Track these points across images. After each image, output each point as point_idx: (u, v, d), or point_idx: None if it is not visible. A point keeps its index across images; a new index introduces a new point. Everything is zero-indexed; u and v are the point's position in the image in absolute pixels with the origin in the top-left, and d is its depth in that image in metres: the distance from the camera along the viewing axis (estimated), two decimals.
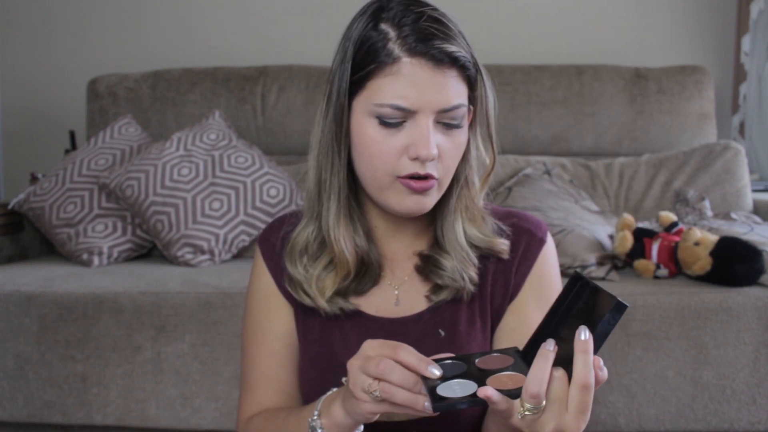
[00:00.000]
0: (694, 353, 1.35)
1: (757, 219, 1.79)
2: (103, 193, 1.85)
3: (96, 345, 1.43)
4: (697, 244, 1.43)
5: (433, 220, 0.77)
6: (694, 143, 2.10)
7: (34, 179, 2.20)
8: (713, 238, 1.43)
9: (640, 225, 1.62)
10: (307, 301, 0.75)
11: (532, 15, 2.42)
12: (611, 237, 1.67)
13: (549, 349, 0.52)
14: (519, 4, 2.43)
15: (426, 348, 0.74)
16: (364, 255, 0.75)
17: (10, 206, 1.89)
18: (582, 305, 0.56)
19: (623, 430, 1.37)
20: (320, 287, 0.75)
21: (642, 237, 1.54)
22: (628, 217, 1.61)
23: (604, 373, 0.52)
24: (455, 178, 0.74)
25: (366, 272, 0.76)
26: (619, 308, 0.51)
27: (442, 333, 0.75)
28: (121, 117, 2.07)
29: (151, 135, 2.11)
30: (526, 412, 0.52)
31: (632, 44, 2.41)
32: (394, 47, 0.67)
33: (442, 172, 0.69)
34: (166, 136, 2.07)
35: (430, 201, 0.70)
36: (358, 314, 0.77)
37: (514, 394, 0.54)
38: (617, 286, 1.42)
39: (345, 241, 0.73)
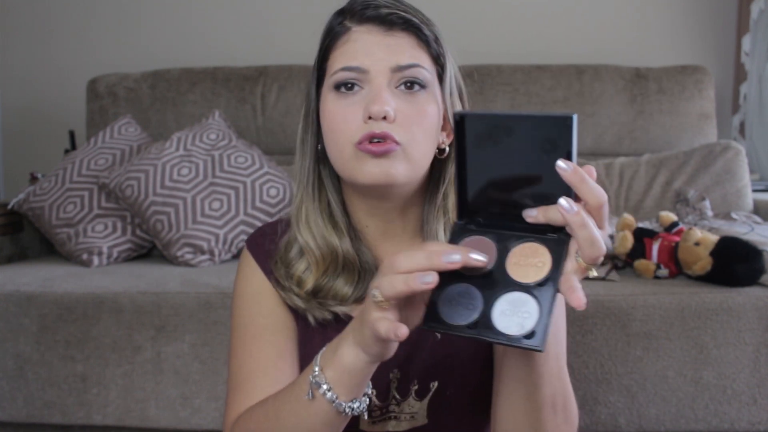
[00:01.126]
0: (694, 353, 1.35)
1: (758, 219, 1.79)
2: (103, 193, 1.84)
3: (96, 345, 1.43)
4: (697, 244, 1.43)
5: (427, 220, 0.75)
6: (695, 143, 2.10)
7: (33, 179, 2.20)
8: (713, 238, 1.43)
9: (641, 225, 1.62)
10: (295, 300, 0.73)
11: (532, 15, 2.42)
12: (611, 237, 1.66)
13: (574, 209, 0.48)
14: (519, 4, 2.43)
15: (422, 350, 0.75)
16: (349, 256, 0.73)
17: (9, 206, 1.89)
18: (510, 140, 0.51)
19: (623, 430, 1.37)
20: (300, 287, 0.73)
21: (642, 237, 1.54)
22: (629, 217, 1.60)
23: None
24: (442, 177, 0.73)
25: (364, 276, 0.74)
26: (566, 122, 0.48)
27: (439, 335, 0.73)
28: (121, 117, 2.07)
29: (150, 135, 2.11)
30: (595, 272, 0.51)
31: (632, 44, 2.41)
32: (346, 20, 0.70)
33: (405, 137, 0.66)
34: (166, 136, 2.06)
35: (396, 168, 0.66)
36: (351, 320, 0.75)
37: (554, 276, 0.51)
38: (617, 286, 1.42)
39: (309, 232, 0.72)
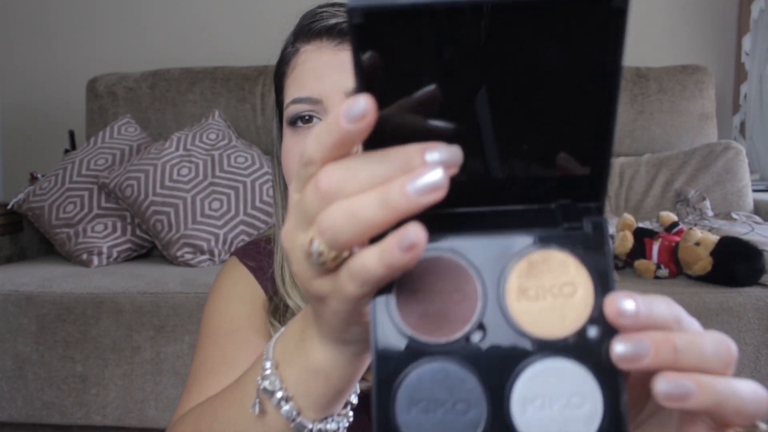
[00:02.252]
0: None
1: (758, 219, 1.79)
2: (103, 193, 1.84)
3: (95, 345, 1.43)
4: (697, 244, 1.43)
5: None
6: (695, 143, 2.10)
7: (33, 179, 2.20)
8: (714, 238, 1.43)
9: (641, 225, 1.62)
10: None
11: None
12: (612, 237, 1.66)
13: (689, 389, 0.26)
14: None
15: None
16: None
17: (9, 206, 1.89)
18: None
19: None
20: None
21: (642, 237, 1.54)
22: (629, 217, 1.60)
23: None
24: None
25: None
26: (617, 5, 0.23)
27: None
28: (121, 117, 2.07)
29: (150, 135, 2.10)
30: (764, 426, 0.31)
31: (633, 44, 2.40)
32: (296, 40, 0.62)
33: None
34: (165, 135, 2.06)
35: None
36: None
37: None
38: (617, 287, 1.42)
39: (296, 291, 0.65)
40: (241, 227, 1.75)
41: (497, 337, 0.28)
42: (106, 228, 1.79)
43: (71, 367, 1.43)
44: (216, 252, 1.72)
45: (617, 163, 2.02)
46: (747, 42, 2.30)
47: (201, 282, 1.48)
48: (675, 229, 1.54)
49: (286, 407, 0.37)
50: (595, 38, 0.24)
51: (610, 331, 0.27)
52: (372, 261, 0.26)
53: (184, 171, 1.79)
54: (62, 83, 2.57)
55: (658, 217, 1.63)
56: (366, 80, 0.25)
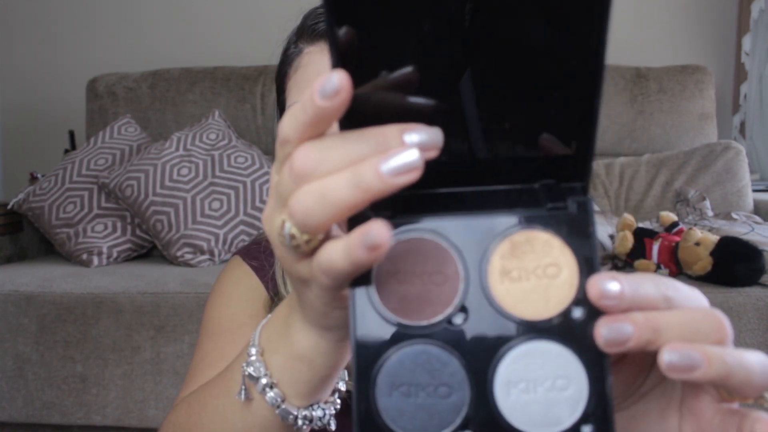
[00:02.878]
0: None
1: (758, 219, 1.79)
2: (103, 193, 1.84)
3: (95, 345, 1.43)
4: (697, 244, 1.43)
5: None
6: (695, 143, 2.10)
7: (33, 179, 2.20)
8: (714, 238, 1.43)
9: (641, 225, 1.62)
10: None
11: None
12: (612, 237, 1.66)
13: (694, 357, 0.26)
14: None
15: None
16: None
17: (9, 206, 1.89)
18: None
19: None
20: None
21: (642, 237, 1.54)
22: (629, 217, 1.60)
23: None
24: None
25: None
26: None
27: None
28: (121, 117, 2.07)
29: (150, 135, 2.10)
30: None
31: (633, 44, 2.41)
32: (299, 40, 0.61)
33: None
34: (165, 135, 2.06)
35: None
36: None
37: None
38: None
39: None
40: (241, 227, 1.75)
41: (480, 319, 0.27)
42: (106, 228, 1.79)
43: (71, 367, 1.43)
44: (216, 252, 1.72)
45: (617, 163, 2.02)
46: (747, 42, 2.30)
47: (201, 282, 1.48)
48: (675, 229, 1.54)
49: (270, 394, 0.36)
50: (579, 16, 0.23)
51: (595, 312, 0.26)
52: (338, 257, 0.25)
53: (184, 171, 1.79)
54: (62, 83, 2.57)
55: (658, 217, 1.63)
56: (342, 57, 0.24)
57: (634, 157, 2.05)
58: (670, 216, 1.58)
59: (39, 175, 2.19)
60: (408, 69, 0.25)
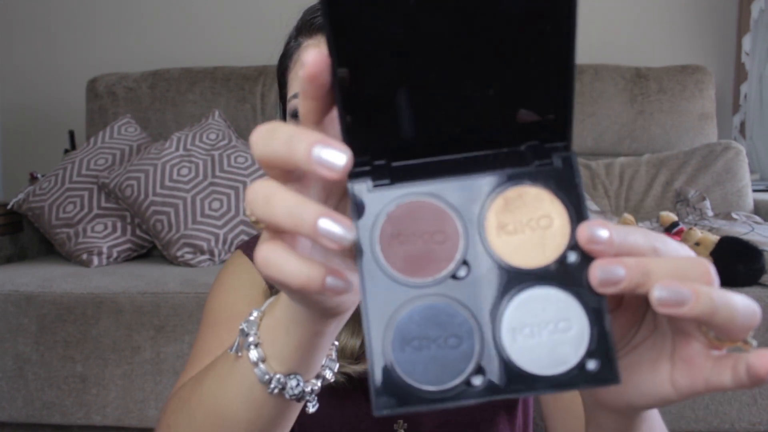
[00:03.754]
0: None
1: (758, 219, 1.79)
2: (103, 193, 1.84)
3: (95, 345, 1.43)
4: (697, 244, 1.43)
5: None
6: (695, 143, 2.10)
7: (33, 179, 2.20)
8: (714, 238, 1.43)
9: (641, 225, 1.62)
10: None
11: None
12: None
13: (684, 294, 0.27)
14: None
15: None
16: None
17: (9, 206, 1.89)
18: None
19: None
20: None
21: None
22: (629, 217, 1.60)
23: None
24: None
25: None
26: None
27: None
28: (121, 117, 2.07)
29: (150, 135, 2.10)
30: (754, 342, 0.31)
31: (632, 44, 2.41)
32: (299, 35, 0.63)
33: None
34: (165, 135, 2.06)
35: None
36: None
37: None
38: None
39: None
40: (241, 227, 1.75)
41: (481, 271, 0.29)
42: (106, 228, 1.79)
43: (71, 367, 1.43)
44: (216, 252, 1.72)
45: (617, 163, 2.02)
46: (747, 42, 2.30)
47: (201, 282, 1.48)
48: (675, 229, 1.54)
49: (253, 351, 0.39)
50: None
51: (589, 257, 0.28)
52: (288, 267, 0.28)
53: (184, 171, 1.79)
54: (62, 83, 2.57)
55: (658, 217, 1.63)
56: (336, 35, 0.26)
57: (634, 157, 2.05)
58: (670, 216, 1.58)
59: (39, 175, 2.19)
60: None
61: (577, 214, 0.29)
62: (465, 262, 0.29)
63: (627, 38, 2.41)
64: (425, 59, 0.27)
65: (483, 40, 0.26)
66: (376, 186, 0.30)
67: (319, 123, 0.30)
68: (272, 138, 0.28)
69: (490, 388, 0.28)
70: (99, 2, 2.55)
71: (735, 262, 1.38)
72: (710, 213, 1.81)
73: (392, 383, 0.27)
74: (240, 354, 0.40)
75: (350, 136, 0.29)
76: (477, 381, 0.28)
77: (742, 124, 2.34)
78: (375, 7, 0.25)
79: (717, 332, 0.29)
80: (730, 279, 1.38)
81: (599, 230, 0.28)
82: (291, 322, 0.37)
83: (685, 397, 0.32)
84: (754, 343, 0.30)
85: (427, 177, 0.30)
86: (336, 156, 0.26)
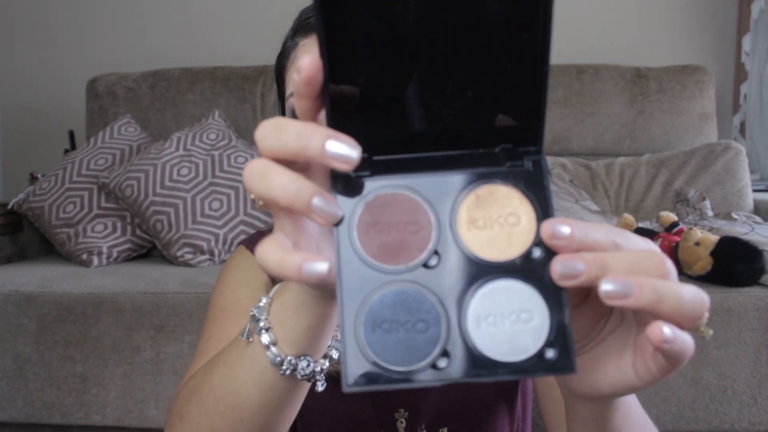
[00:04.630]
0: (694, 353, 1.35)
1: (758, 219, 1.79)
2: (103, 193, 1.84)
3: (95, 345, 1.43)
4: (697, 244, 1.43)
5: None
6: (695, 143, 2.10)
7: (33, 179, 2.20)
8: (714, 238, 1.43)
9: (641, 225, 1.62)
10: None
11: None
12: None
13: (629, 288, 0.29)
14: None
15: (426, 396, 0.68)
16: None
17: (9, 206, 1.89)
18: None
19: None
20: None
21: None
22: (629, 217, 1.60)
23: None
24: None
25: None
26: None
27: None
28: (121, 117, 2.07)
29: (150, 135, 2.11)
30: (711, 331, 0.35)
31: (633, 44, 2.41)
32: (296, 35, 0.65)
33: None
34: (165, 135, 2.06)
35: None
36: None
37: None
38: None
39: None
40: (241, 227, 1.75)
41: (451, 262, 0.31)
42: (106, 228, 1.79)
43: (71, 367, 1.43)
44: (216, 252, 1.72)
45: (617, 163, 2.02)
46: (747, 42, 2.30)
47: (201, 282, 1.48)
48: (675, 229, 1.54)
49: (265, 335, 0.41)
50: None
51: (552, 253, 0.30)
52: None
53: (184, 171, 1.79)
54: (62, 83, 2.57)
55: (658, 217, 1.63)
56: (329, 41, 0.28)
57: (634, 157, 2.05)
58: (670, 216, 1.58)
59: (39, 175, 2.19)
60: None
61: (544, 213, 0.31)
62: (436, 252, 0.31)
63: (627, 38, 2.41)
64: (408, 62, 0.29)
65: (463, 46, 0.28)
66: (356, 176, 0.31)
67: (314, 119, 0.32)
68: (282, 132, 0.29)
69: (453, 371, 0.29)
70: (99, 2, 2.55)
71: (735, 262, 1.38)
72: (710, 213, 1.81)
73: (362, 362, 0.29)
74: (251, 339, 0.42)
75: (335, 130, 0.30)
76: (442, 364, 0.29)
77: (742, 124, 2.34)
78: (363, 11, 0.27)
79: (666, 320, 0.30)
80: (730, 279, 1.38)
81: (561, 227, 0.29)
82: (300, 306, 0.39)
83: (647, 383, 0.33)
84: (710, 332, 0.33)
85: (406, 171, 0.32)
86: (349, 150, 0.28)
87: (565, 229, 0.29)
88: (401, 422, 0.70)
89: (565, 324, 0.30)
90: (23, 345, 1.44)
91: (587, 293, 0.35)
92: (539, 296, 0.30)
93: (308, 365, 0.41)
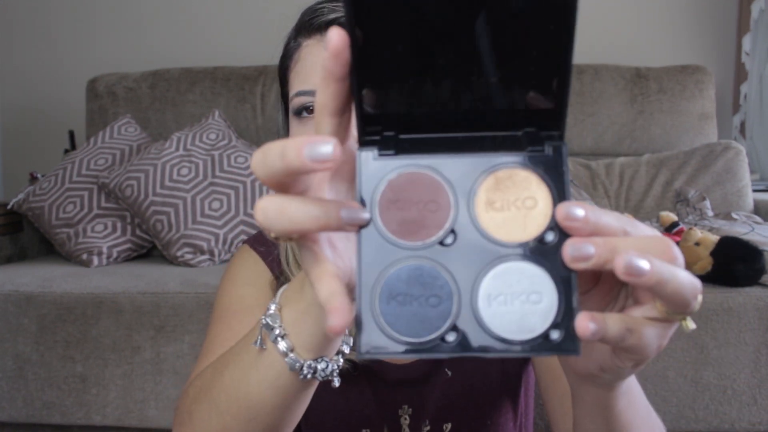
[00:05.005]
0: (694, 353, 1.35)
1: (758, 219, 1.79)
2: (103, 193, 1.84)
3: (95, 345, 1.42)
4: (697, 244, 1.43)
5: None
6: (695, 143, 2.10)
7: (33, 179, 2.20)
8: (714, 238, 1.43)
9: None
10: None
11: None
12: None
13: (643, 268, 0.30)
14: None
15: (430, 392, 0.69)
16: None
17: (9, 206, 1.89)
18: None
19: None
20: None
21: None
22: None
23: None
24: None
25: None
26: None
27: (449, 372, 0.70)
28: (121, 117, 2.07)
29: (150, 135, 2.10)
30: (692, 325, 0.35)
31: (632, 44, 2.41)
32: (298, 35, 0.65)
33: None
34: (165, 135, 2.06)
35: None
36: None
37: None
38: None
39: (289, 248, 0.69)
40: (241, 227, 1.75)
41: (467, 241, 0.32)
42: (106, 228, 1.79)
43: (71, 367, 1.43)
44: (216, 252, 1.72)
45: (617, 163, 2.02)
46: (747, 42, 2.30)
47: (201, 282, 1.48)
48: (675, 229, 1.54)
49: (281, 343, 0.41)
50: None
51: (565, 238, 0.31)
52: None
53: (184, 171, 1.79)
54: (62, 83, 2.57)
55: (658, 217, 1.63)
56: (357, 23, 0.28)
57: (634, 157, 2.05)
58: (670, 216, 1.58)
59: (39, 175, 2.19)
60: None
61: (560, 198, 0.32)
62: (453, 231, 0.32)
63: (627, 38, 2.41)
64: (437, 43, 0.29)
65: (492, 30, 0.29)
66: (381, 155, 0.32)
67: (337, 112, 0.31)
68: (266, 157, 0.30)
69: (462, 345, 0.31)
70: (99, 2, 2.55)
71: (735, 262, 1.38)
72: (710, 213, 1.81)
73: (376, 332, 0.31)
74: (264, 347, 0.43)
75: (364, 108, 0.31)
76: (451, 338, 0.31)
77: (742, 124, 2.34)
78: (393, 8, 0.28)
79: (666, 303, 0.32)
80: (730, 279, 1.38)
81: (576, 209, 0.30)
82: (319, 310, 0.39)
83: (631, 362, 0.35)
84: (692, 325, 0.35)
85: (430, 151, 0.32)
86: (322, 146, 0.28)
87: (580, 212, 0.30)
88: (405, 419, 0.70)
89: (572, 307, 0.30)
90: (23, 345, 1.44)
91: (597, 279, 0.36)
92: (550, 279, 0.31)
93: (327, 366, 0.42)
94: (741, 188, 1.93)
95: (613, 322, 0.32)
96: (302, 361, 0.41)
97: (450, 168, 0.32)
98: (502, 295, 0.31)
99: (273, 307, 0.43)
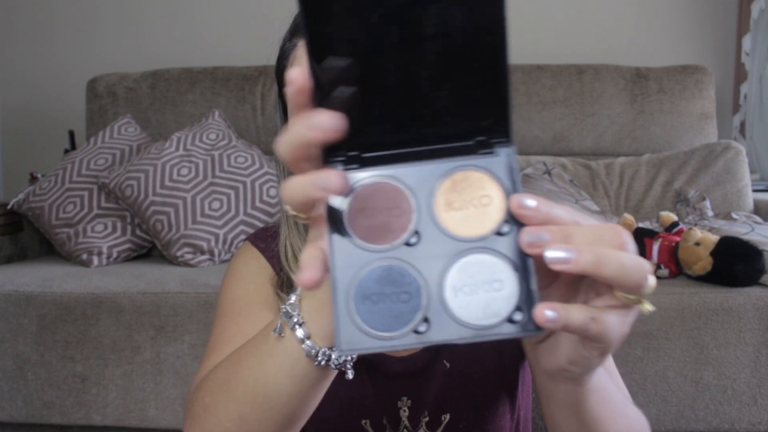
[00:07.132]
0: (694, 353, 1.35)
1: (758, 219, 1.79)
2: (103, 193, 1.84)
3: (95, 345, 1.43)
4: (697, 244, 1.43)
5: None
6: (695, 143, 2.10)
7: (33, 179, 2.20)
8: (714, 238, 1.43)
9: (641, 225, 1.62)
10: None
11: (532, 14, 2.42)
12: None
13: (568, 255, 0.32)
14: (519, 4, 2.42)
15: (429, 383, 0.70)
16: None
17: (9, 206, 1.89)
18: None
19: None
20: None
21: (642, 237, 1.54)
22: (629, 217, 1.60)
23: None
24: None
25: None
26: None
27: (447, 365, 0.71)
28: (121, 117, 2.07)
29: (150, 135, 2.10)
30: (649, 307, 0.36)
31: (633, 44, 2.41)
32: (292, 37, 0.66)
33: None
34: (165, 135, 2.06)
35: None
36: None
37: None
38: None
39: (288, 244, 0.70)
40: (241, 227, 1.75)
41: (430, 240, 0.34)
42: (106, 228, 1.79)
43: (71, 367, 1.43)
44: (216, 252, 1.72)
45: (617, 163, 2.02)
46: (747, 42, 2.30)
47: (201, 282, 1.48)
48: (675, 229, 1.54)
49: (299, 330, 0.44)
50: (482, 8, 0.30)
51: (520, 228, 0.34)
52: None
53: (184, 171, 1.79)
54: (62, 83, 2.57)
55: (658, 217, 1.63)
56: (315, 47, 0.32)
57: (634, 157, 2.05)
58: (670, 216, 1.58)
59: (39, 175, 2.19)
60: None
61: (510, 193, 0.35)
62: (417, 232, 0.35)
63: (627, 38, 2.41)
64: (389, 69, 0.32)
65: (434, 54, 0.32)
66: (346, 170, 0.35)
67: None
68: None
69: (433, 334, 0.33)
70: (99, 2, 2.55)
71: (735, 262, 1.38)
72: (710, 213, 1.81)
73: (353, 330, 0.33)
74: (283, 334, 0.45)
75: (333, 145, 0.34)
76: (422, 329, 0.33)
77: (742, 124, 2.34)
78: (344, 26, 0.31)
79: (616, 286, 0.33)
80: (730, 279, 1.38)
81: (527, 199, 0.33)
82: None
83: (597, 350, 0.36)
84: (650, 307, 0.36)
85: (390, 163, 0.36)
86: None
87: (531, 202, 0.33)
88: (404, 410, 0.71)
89: (531, 290, 0.33)
90: (23, 345, 1.44)
91: (556, 275, 0.37)
92: (509, 267, 0.33)
93: (340, 354, 0.44)
94: (741, 188, 1.93)
95: (576, 312, 0.33)
96: (318, 348, 0.43)
97: (409, 176, 0.35)
98: (466, 285, 0.33)
99: (294, 297, 0.46)
